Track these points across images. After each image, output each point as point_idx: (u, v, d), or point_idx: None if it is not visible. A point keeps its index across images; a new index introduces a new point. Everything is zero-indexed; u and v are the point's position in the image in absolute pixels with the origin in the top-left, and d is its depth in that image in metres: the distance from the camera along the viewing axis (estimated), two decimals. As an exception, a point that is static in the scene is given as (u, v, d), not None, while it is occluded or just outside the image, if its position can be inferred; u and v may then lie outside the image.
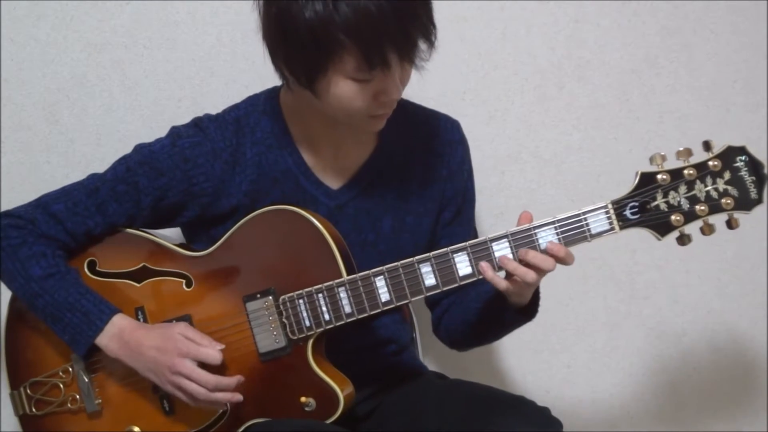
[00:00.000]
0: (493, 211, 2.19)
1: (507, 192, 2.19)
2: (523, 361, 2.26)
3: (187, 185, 1.68)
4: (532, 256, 1.53)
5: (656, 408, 2.31)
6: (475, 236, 1.75)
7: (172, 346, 1.62)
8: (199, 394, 1.61)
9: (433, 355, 2.16)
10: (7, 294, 1.78)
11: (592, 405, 2.30)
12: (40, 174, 2.08)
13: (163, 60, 2.09)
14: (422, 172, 1.76)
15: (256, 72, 2.09)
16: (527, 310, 1.66)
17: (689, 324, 2.29)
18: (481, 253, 1.56)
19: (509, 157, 2.19)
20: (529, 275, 1.53)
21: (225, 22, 2.09)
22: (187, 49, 2.09)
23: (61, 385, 1.75)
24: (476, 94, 2.16)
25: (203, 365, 1.62)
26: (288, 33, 1.52)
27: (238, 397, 1.63)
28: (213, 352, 1.62)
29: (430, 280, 1.58)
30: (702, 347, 2.30)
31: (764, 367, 2.31)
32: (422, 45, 1.54)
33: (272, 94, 1.73)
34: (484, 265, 1.55)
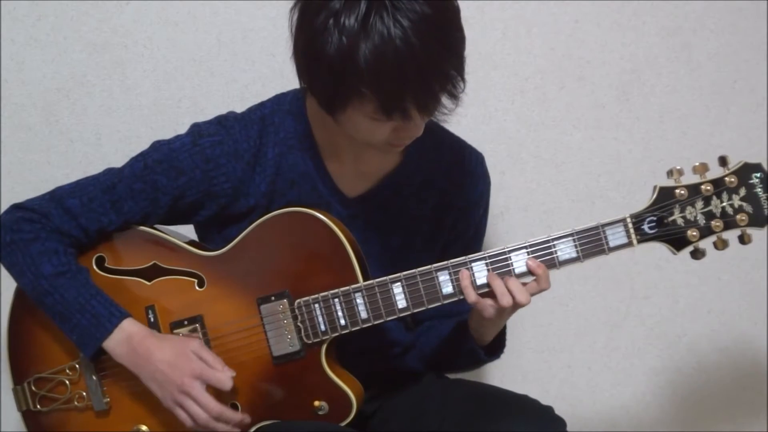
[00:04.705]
0: (493, 211, 2.17)
1: (507, 192, 2.19)
2: (523, 361, 2.26)
3: (207, 185, 1.65)
4: (513, 280, 1.53)
5: (656, 408, 2.31)
6: None
7: (185, 364, 1.60)
8: (200, 418, 1.59)
9: (433, 355, 2.15)
10: (9, 289, 1.76)
11: (592, 405, 2.29)
12: (40, 174, 2.08)
13: (163, 60, 2.08)
14: (439, 198, 1.73)
15: (256, 72, 2.09)
16: (490, 348, 1.67)
17: (689, 324, 2.29)
18: (500, 263, 1.56)
19: (509, 157, 2.19)
20: (506, 298, 1.53)
21: (225, 22, 2.08)
22: (187, 49, 2.08)
23: (68, 383, 1.72)
24: (476, 94, 2.16)
25: (211, 390, 1.60)
26: (311, 66, 1.50)
27: None
28: (225, 378, 1.59)
29: (447, 288, 1.57)
30: (702, 347, 2.30)
31: (764, 367, 2.30)
32: (445, 100, 1.50)
33: (300, 94, 1.69)
34: (465, 278, 1.55)
